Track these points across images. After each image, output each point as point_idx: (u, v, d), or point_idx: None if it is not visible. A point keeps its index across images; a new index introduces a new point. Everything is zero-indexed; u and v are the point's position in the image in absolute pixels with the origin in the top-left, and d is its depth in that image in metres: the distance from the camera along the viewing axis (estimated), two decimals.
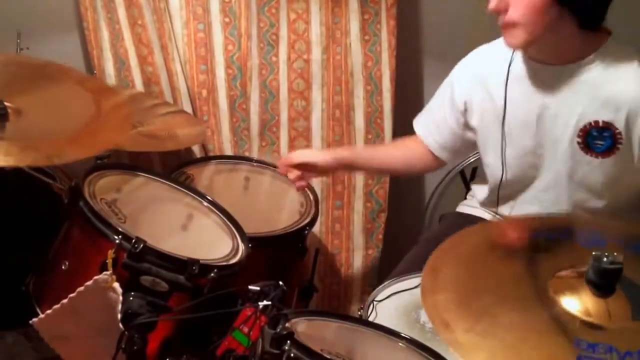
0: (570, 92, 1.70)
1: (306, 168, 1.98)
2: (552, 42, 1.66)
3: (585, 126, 1.70)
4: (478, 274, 1.29)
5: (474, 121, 1.90)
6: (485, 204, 2.03)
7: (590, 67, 1.67)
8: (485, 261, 1.33)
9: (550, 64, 1.71)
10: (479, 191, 2.06)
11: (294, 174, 1.98)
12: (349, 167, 2.09)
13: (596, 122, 1.69)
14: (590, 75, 1.68)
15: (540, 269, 1.27)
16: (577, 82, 1.69)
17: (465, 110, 1.91)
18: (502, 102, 1.79)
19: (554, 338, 1.14)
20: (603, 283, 1.18)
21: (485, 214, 2.03)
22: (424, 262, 1.32)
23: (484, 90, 1.84)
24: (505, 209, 1.96)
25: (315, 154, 2.05)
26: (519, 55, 1.77)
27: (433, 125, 2.01)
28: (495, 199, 1.96)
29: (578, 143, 1.72)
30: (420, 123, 2.05)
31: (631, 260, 1.21)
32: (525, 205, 1.89)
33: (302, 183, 2.02)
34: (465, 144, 1.99)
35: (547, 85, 1.73)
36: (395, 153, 2.11)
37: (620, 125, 1.67)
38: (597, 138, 1.70)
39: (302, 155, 2.00)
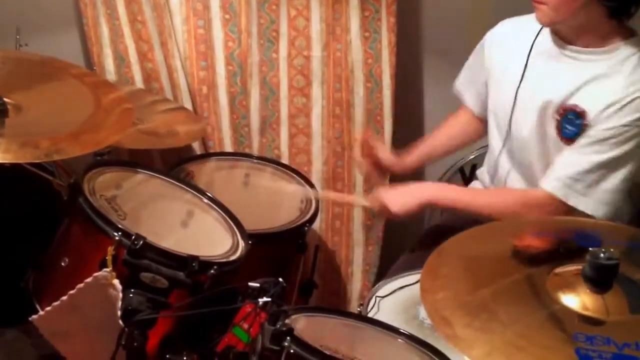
0: (573, 70, 1.73)
1: (377, 163, 2.07)
2: (579, 25, 1.70)
3: (567, 106, 1.73)
4: (477, 272, 1.30)
5: (490, 86, 1.96)
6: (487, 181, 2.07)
7: (602, 59, 1.70)
8: (484, 260, 1.33)
9: (570, 42, 1.75)
10: (482, 173, 2.11)
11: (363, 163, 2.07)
12: (426, 160, 2.20)
13: (576, 105, 1.72)
14: (599, 65, 1.70)
15: (538, 266, 1.28)
16: (584, 66, 1.72)
17: (488, 79, 1.96)
18: (519, 72, 1.83)
19: (552, 332, 1.14)
20: (600, 279, 1.18)
21: None
22: (424, 258, 1.33)
23: (506, 58, 1.89)
24: (499, 182, 2.00)
25: (391, 160, 2.10)
26: (546, 30, 1.80)
27: (472, 88, 2.07)
28: (492, 171, 2.01)
29: (556, 120, 1.75)
30: (461, 84, 2.11)
31: (627, 258, 1.22)
32: (514, 174, 1.94)
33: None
34: None
35: (557, 58, 1.77)
36: (450, 137, 2.17)
37: (590, 118, 1.69)
38: (570, 122, 1.73)
39: (383, 152, 2.09)
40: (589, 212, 1.70)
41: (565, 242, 1.40)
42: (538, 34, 1.81)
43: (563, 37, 1.76)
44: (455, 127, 2.16)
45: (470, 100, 2.09)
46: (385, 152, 2.10)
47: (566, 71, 1.75)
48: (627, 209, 1.85)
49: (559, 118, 1.75)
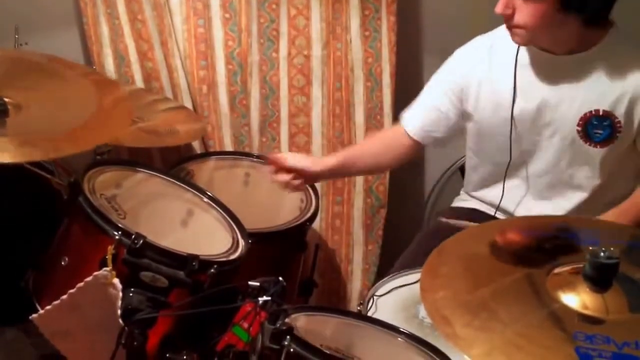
0: (573, 80, 1.73)
1: (296, 172, 1.93)
2: (556, 36, 1.70)
3: (585, 114, 1.73)
4: (477, 271, 1.29)
5: (469, 107, 1.90)
6: (473, 189, 2.05)
7: (593, 57, 1.71)
8: (483, 259, 1.33)
9: (554, 53, 1.74)
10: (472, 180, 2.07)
11: (282, 176, 1.93)
12: (338, 174, 2.09)
13: (597, 110, 1.72)
14: (593, 65, 1.71)
15: (537, 266, 1.27)
16: (580, 71, 1.72)
17: (462, 97, 1.91)
18: (509, 89, 1.79)
19: (552, 331, 1.14)
20: (600, 278, 1.18)
21: (480, 205, 2.04)
22: (424, 257, 1.33)
23: (486, 76, 1.85)
24: (495, 194, 1.96)
25: (307, 162, 1.94)
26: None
27: (420, 111, 1.98)
28: (488, 184, 1.98)
29: (578, 132, 1.74)
30: (408, 117, 2.01)
31: (627, 257, 1.22)
32: (516, 190, 1.92)
33: (295, 184, 1.94)
34: (454, 130, 1.97)
35: (550, 74, 1.76)
36: (373, 154, 2.05)
37: (620, 113, 1.70)
38: (597, 127, 1.73)
39: (293, 160, 1.93)
40: None
41: (550, 239, 1.39)
42: (517, 52, 1.78)
43: (544, 49, 1.75)
44: (383, 145, 2.06)
45: (416, 125, 1.98)
46: (294, 158, 1.95)
47: (565, 83, 1.74)
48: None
49: (580, 129, 1.74)
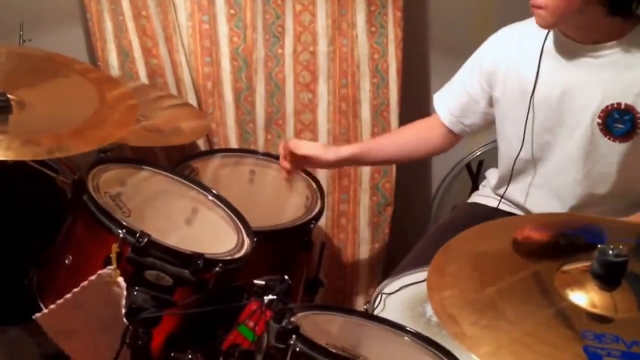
0: (596, 71, 1.72)
1: (307, 160, 1.97)
2: (580, 23, 1.70)
3: (607, 107, 1.72)
4: (484, 269, 1.29)
5: (497, 92, 1.91)
6: (497, 187, 2.03)
7: (617, 50, 1.70)
8: (491, 257, 1.32)
9: (579, 42, 1.74)
10: (492, 175, 2.07)
11: (292, 164, 1.98)
12: (354, 163, 2.09)
13: (619, 104, 1.70)
14: (617, 57, 1.70)
15: (545, 264, 1.27)
16: (604, 62, 1.71)
17: (491, 82, 1.92)
18: (533, 74, 1.80)
19: (560, 330, 1.13)
20: (609, 276, 1.17)
21: (496, 202, 2.02)
22: (432, 255, 1.32)
23: (514, 62, 1.85)
24: (515, 191, 1.96)
25: (319, 150, 2.03)
26: (552, 31, 1.79)
27: (453, 98, 2.02)
28: (507, 178, 1.96)
29: (598, 124, 1.73)
30: (439, 98, 2.07)
31: (636, 255, 1.21)
32: (535, 189, 1.91)
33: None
34: (482, 119, 2.00)
35: (574, 63, 1.76)
36: (403, 139, 2.12)
37: (639, 108, 1.69)
38: (618, 121, 1.71)
39: (306, 148, 2.00)
40: None
41: (567, 236, 1.38)
42: (545, 38, 1.79)
43: (571, 38, 1.75)
44: (417, 134, 2.11)
45: (449, 117, 2.03)
46: (306, 147, 2.06)
47: (588, 73, 1.73)
48: None
49: (600, 121, 1.73)
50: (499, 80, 1.90)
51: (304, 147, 2.06)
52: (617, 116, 1.71)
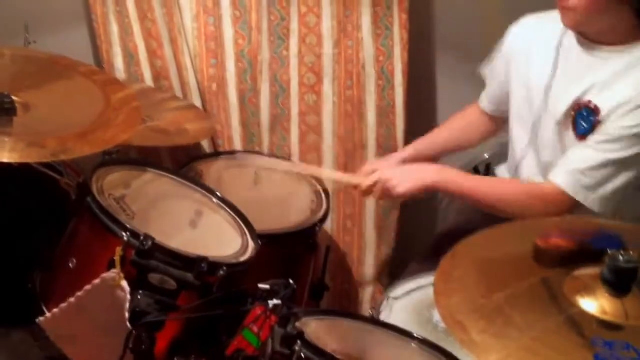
0: (593, 68, 1.72)
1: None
2: (607, 25, 1.68)
3: (582, 102, 1.71)
4: (492, 275, 1.28)
5: (512, 82, 1.92)
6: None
7: (622, 55, 1.68)
8: (498, 263, 1.31)
9: (594, 42, 1.73)
10: (501, 173, 2.09)
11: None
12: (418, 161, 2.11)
13: (590, 102, 1.70)
14: (618, 62, 1.68)
15: (555, 270, 1.26)
16: (603, 64, 1.70)
17: (509, 70, 1.93)
18: (546, 73, 1.80)
19: (570, 337, 1.12)
20: (619, 282, 1.16)
21: None
22: (438, 260, 1.31)
23: (528, 53, 1.86)
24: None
25: (386, 166, 2.00)
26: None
27: (489, 87, 2.06)
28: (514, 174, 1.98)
29: (572, 116, 1.74)
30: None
31: None
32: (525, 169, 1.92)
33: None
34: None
35: (580, 60, 1.75)
36: (453, 132, 2.17)
37: (602, 115, 1.67)
38: (584, 119, 1.71)
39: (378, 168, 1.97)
40: (595, 209, 1.69)
41: (585, 243, 1.37)
42: (564, 34, 1.78)
43: (586, 37, 1.74)
44: (464, 123, 2.16)
45: (485, 98, 2.07)
46: (386, 167, 2.00)
47: (584, 68, 1.73)
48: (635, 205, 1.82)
49: (573, 114, 1.73)
50: (513, 71, 1.91)
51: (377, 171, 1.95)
52: (585, 114, 1.71)
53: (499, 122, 2.09)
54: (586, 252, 1.32)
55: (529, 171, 1.90)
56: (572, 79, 1.75)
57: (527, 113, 1.87)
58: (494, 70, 2.01)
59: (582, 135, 1.71)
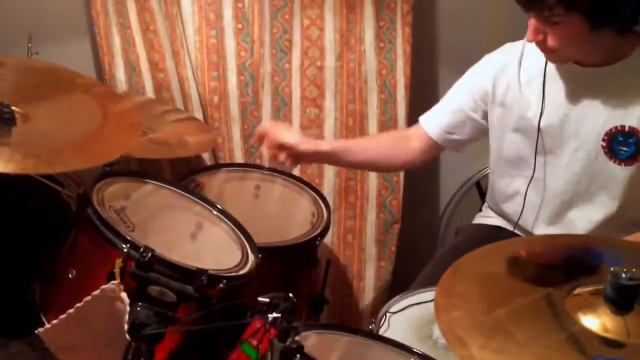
0: (600, 94, 1.69)
1: (283, 147, 1.90)
2: (592, 51, 1.66)
3: (611, 130, 1.69)
4: (493, 290, 1.27)
5: (495, 110, 1.87)
6: (497, 203, 2.00)
7: (622, 70, 1.67)
8: (500, 278, 1.30)
9: (583, 65, 1.71)
10: (493, 192, 2.03)
11: (268, 148, 1.91)
12: (330, 161, 2.08)
13: (622, 126, 1.68)
14: (621, 78, 1.67)
15: (556, 286, 1.25)
16: (607, 84, 1.68)
17: (488, 99, 1.88)
18: (536, 97, 1.77)
19: (571, 354, 1.11)
20: (621, 299, 1.15)
21: (502, 222, 2.00)
22: (439, 276, 1.30)
23: (516, 80, 1.82)
24: (514, 209, 1.92)
25: (297, 139, 1.91)
26: None
27: (443, 112, 1.96)
28: (508, 198, 1.94)
29: (602, 147, 1.71)
30: (427, 116, 2.01)
31: None
32: (535, 207, 1.87)
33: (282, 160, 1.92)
34: (473, 132, 1.95)
35: (577, 85, 1.72)
36: (379, 144, 2.07)
37: None
38: (622, 144, 1.69)
39: (284, 134, 1.90)
40: None
41: (579, 258, 1.37)
42: (546, 63, 1.75)
43: (581, 64, 1.72)
44: (392, 140, 2.07)
45: (437, 126, 1.96)
46: (284, 133, 1.92)
47: (591, 95, 1.71)
48: None
49: (605, 144, 1.71)
50: (497, 99, 1.86)
51: (281, 133, 1.91)
52: (621, 139, 1.69)
53: (435, 151, 2.02)
54: (573, 266, 1.33)
55: (531, 209, 1.88)
56: (579, 109, 1.72)
57: (522, 148, 1.84)
58: (459, 100, 1.94)
59: (629, 159, 1.69)
